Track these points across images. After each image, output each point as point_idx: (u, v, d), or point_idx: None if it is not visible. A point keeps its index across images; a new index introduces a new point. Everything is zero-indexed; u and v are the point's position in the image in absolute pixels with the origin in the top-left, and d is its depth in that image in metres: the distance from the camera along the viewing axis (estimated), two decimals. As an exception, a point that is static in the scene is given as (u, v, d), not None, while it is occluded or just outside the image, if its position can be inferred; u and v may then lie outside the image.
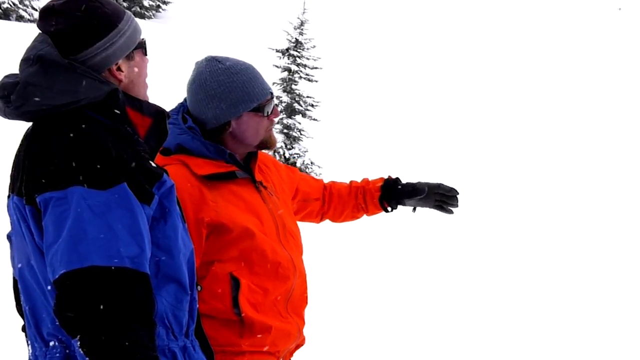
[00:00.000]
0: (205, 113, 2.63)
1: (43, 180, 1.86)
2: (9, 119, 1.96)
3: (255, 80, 2.65)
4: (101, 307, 1.79)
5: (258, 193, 2.68)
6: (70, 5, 1.98)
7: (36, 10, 25.13)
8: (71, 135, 1.89)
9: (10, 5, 24.35)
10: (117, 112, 1.98)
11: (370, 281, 8.39)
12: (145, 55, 2.13)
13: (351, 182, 3.27)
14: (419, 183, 3.20)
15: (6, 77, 2.00)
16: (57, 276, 1.81)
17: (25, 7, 24.76)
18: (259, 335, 2.57)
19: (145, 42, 2.13)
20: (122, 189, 1.87)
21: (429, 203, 3.20)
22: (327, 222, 3.32)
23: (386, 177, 3.24)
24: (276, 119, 2.74)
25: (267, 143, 2.72)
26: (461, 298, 8.09)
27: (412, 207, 3.25)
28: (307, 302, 2.78)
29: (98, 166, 1.86)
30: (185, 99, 2.72)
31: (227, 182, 2.61)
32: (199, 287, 2.16)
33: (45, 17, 2.00)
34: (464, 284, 8.67)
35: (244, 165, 2.71)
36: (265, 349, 2.59)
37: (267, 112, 2.68)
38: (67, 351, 1.93)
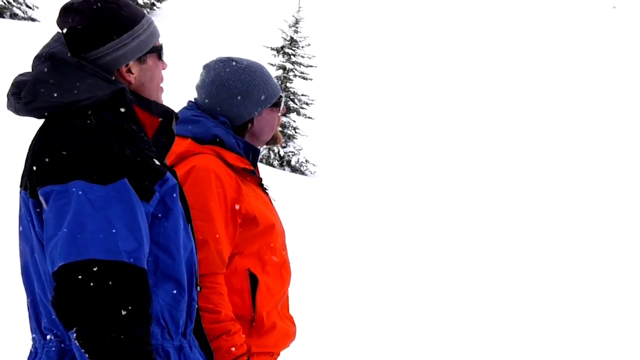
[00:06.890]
0: (229, 112, 2.67)
1: (45, 174, 1.89)
2: (19, 115, 2.01)
3: (271, 78, 2.75)
4: (97, 300, 1.80)
5: (266, 196, 2.74)
6: (89, 5, 2.02)
7: (30, 7, 25.08)
8: (74, 130, 1.92)
9: (4, 3, 24.27)
10: (123, 110, 2.00)
11: (365, 280, 8.39)
12: (161, 60, 2.16)
13: None
14: None
15: (20, 75, 2.04)
16: (55, 268, 1.84)
17: (19, 5, 24.67)
18: (266, 335, 2.61)
19: (161, 47, 2.16)
20: (122, 185, 1.89)
21: None
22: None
23: None
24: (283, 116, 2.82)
25: (276, 138, 2.81)
26: (458, 298, 8.09)
27: None
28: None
29: (99, 161, 1.88)
30: (194, 100, 2.74)
31: (250, 179, 2.68)
32: (198, 288, 2.15)
33: (64, 15, 2.04)
34: (462, 283, 8.68)
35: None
36: (270, 349, 2.63)
37: (282, 108, 2.78)
38: (62, 345, 1.94)
